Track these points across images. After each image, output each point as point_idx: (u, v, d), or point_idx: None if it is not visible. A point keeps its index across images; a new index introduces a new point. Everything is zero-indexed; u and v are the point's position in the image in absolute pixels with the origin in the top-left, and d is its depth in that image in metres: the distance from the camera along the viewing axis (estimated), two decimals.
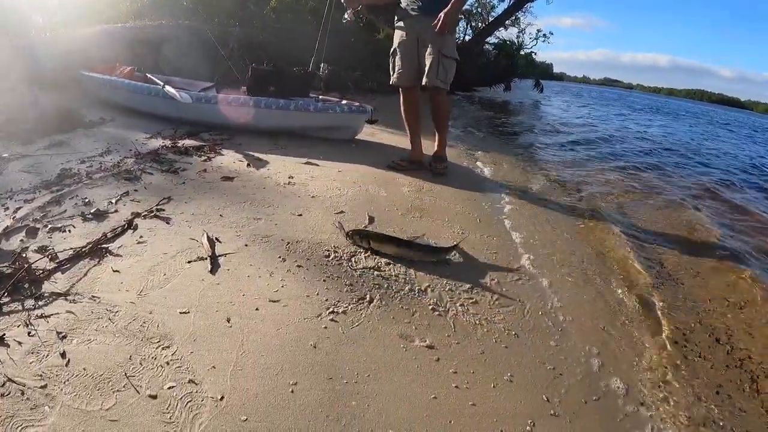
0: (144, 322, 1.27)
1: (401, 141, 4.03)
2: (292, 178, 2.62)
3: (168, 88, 3.42)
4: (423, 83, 2.94)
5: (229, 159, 2.89)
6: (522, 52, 14.19)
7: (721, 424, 1.24)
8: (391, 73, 3.08)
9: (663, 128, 11.26)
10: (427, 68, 2.89)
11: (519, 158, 4.43)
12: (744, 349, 1.63)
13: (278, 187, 2.46)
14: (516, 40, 13.86)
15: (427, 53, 2.90)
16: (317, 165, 2.94)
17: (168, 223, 1.90)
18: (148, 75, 3.94)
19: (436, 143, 3.21)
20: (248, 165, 2.78)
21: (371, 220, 2.15)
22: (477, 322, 1.47)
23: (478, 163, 3.83)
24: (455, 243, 1.91)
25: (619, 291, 1.88)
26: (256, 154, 3.03)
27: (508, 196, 2.96)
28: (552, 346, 1.41)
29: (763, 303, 2.02)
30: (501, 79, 13.29)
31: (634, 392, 1.29)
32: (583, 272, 1.99)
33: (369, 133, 3.80)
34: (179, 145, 3.03)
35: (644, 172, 4.73)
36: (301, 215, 2.10)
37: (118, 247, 1.66)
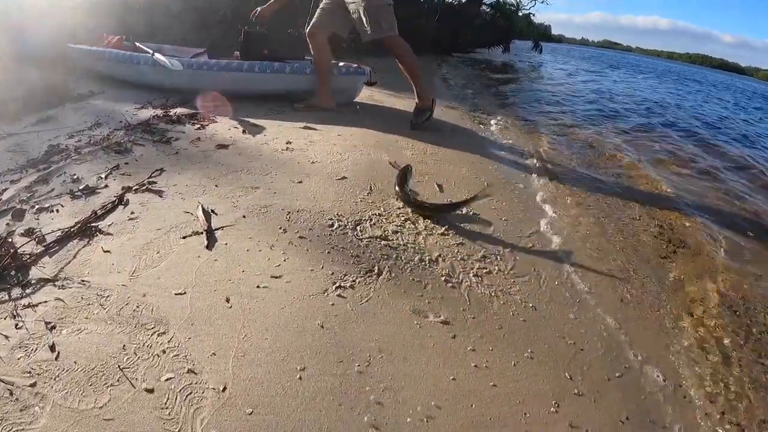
0: (137, 306, 1.14)
1: (400, 102, 3.80)
2: (290, 143, 2.43)
3: (158, 55, 3.15)
4: (363, 41, 2.90)
5: (224, 126, 2.68)
6: (520, 13, 13.40)
7: (750, 397, 1.15)
8: (308, 19, 3.05)
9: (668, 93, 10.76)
10: (357, 26, 2.85)
11: (522, 119, 4.19)
12: None
13: (276, 153, 2.28)
14: (514, 1, 13.05)
15: (351, 12, 2.86)
16: (316, 129, 2.73)
17: (161, 196, 1.74)
18: (137, 44, 3.64)
19: (416, 96, 3.03)
20: (244, 132, 2.58)
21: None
22: (492, 293, 1.34)
23: (481, 125, 3.60)
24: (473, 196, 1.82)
25: (640, 261, 1.75)
26: (252, 120, 2.82)
27: (516, 158, 2.78)
28: (571, 319, 1.29)
29: None
30: (499, 40, 12.61)
31: (657, 368, 1.19)
32: (602, 239, 1.85)
33: (367, 95, 3.55)
34: (171, 114, 2.82)
35: (682, 142, 4.48)
36: (301, 182, 1.94)
37: (109, 225, 1.52)
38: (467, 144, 2.89)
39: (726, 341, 1.36)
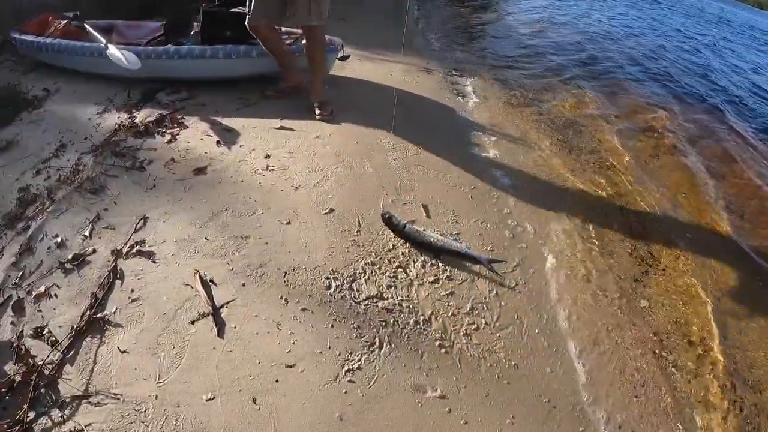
0: (176, 420, 1.27)
1: (373, 69, 3.53)
2: (269, 158, 2.32)
3: (111, 50, 2.72)
4: (289, 25, 2.81)
5: (196, 134, 2.51)
6: None
7: None
8: (246, 11, 2.67)
9: None
10: (298, 13, 2.56)
11: (509, 88, 3.83)
12: None
13: (256, 177, 2.20)
14: None
15: None
16: (293, 130, 2.59)
17: (154, 261, 1.74)
18: (87, 26, 3.09)
19: (314, 85, 2.81)
20: (218, 143, 2.43)
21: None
22: (480, 355, 1.52)
23: (463, 99, 3.43)
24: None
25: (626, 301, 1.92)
26: (224, 121, 2.63)
27: (498, 152, 2.74)
28: (547, 374, 1.50)
29: None
30: None
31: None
32: (590, 272, 1.99)
33: (339, 65, 3.26)
34: (137, 122, 2.58)
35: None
36: (289, 224, 1.94)
37: (113, 312, 1.55)
38: (450, 133, 2.83)
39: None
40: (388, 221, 1.91)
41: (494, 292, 1.76)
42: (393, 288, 1.70)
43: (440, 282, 1.75)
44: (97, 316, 1.55)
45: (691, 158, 3.10)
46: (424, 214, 2.08)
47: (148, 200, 2.05)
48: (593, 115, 3.54)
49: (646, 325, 1.77)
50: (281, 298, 1.62)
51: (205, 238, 1.85)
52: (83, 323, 1.52)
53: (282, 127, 2.61)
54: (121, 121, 2.61)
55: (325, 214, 2.00)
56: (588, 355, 1.61)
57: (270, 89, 2.90)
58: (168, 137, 2.48)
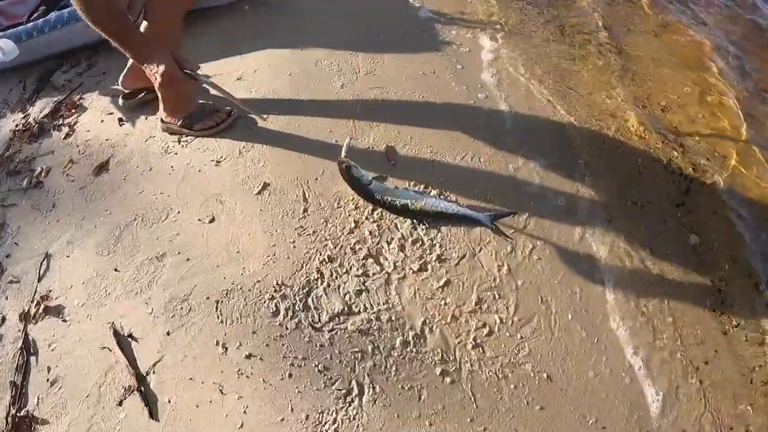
0: None
1: None
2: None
3: None
4: None
5: (96, 115, 1.81)
6: None
7: None
8: None
9: None
10: None
11: None
12: None
13: (168, 158, 1.57)
14: None
15: None
16: (208, 77, 1.78)
17: (63, 319, 1.29)
18: None
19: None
20: (121, 121, 1.75)
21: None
22: (500, 374, 1.06)
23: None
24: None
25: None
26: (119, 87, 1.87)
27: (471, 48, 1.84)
28: (591, 380, 1.04)
29: None
30: None
31: None
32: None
33: None
34: (31, 121, 1.90)
35: None
36: (213, 220, 1.37)
37: (36, 403, 1.17)
38: (412, 40, 1.92)
39: None
40: (347, 173, 1.31)
41: (505, 266, 1.22)
42: (364, 294, 1.19)
43: (429, 268, 1.21)
44: (21, 414, 1.19)
45: None
46: (390, 161, 1.44)
47: (49, 229, 1.53)
48: None
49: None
50: (217, 343, 1.16)
51: (115, 270, 1.36)
52: (10, 427, 1.18)
53: (194, 77, 1.83)
54: (16, 126, 1.95)
55: (258, 193, 1.41)
56: (642, 338, 1.13)
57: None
58: (65, 131, 1.83)
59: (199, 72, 1.39)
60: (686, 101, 1.71)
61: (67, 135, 1.82)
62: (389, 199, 1.27)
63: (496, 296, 1.19)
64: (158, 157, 1.61)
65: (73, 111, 1.93)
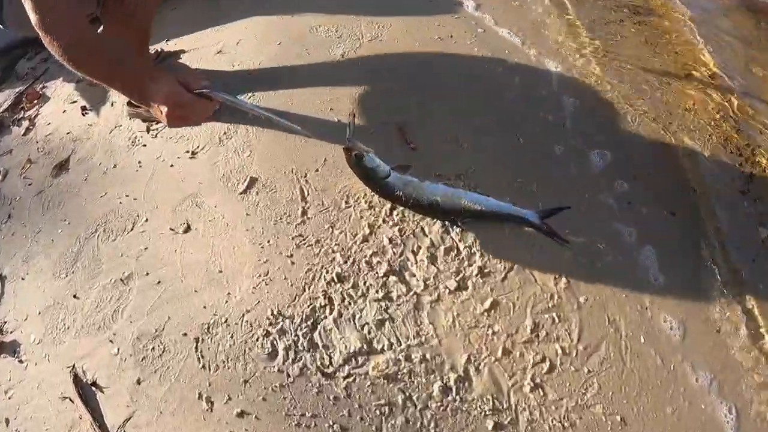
0: None
1: None
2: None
3: None
4: None
5: (59, 105, 1.49)
6: None
7: None
8: None
9: None
10: None
11: None
12: None
13: (135, 151, 1.26)
14: None
15: None
16: (183, 51, 1.47)
17: (20, 359, 1.04)
18: None
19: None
20: (84, 110, 1.43)
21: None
22: (566, 420, 0.79)
23: None
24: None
25: None
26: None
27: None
28: (668, 417, 0.77)
29: None
30: None
31: None
32: None
33: None
34: None
35: None
36: (188, 230, 1.08)
37: None
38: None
39: None
40: (358, 164, 0.99)
41: (563, 279, 0.93)
42: (388, 324, 0.90)
43: (470, 285, 0.92)
44: None
45: None
46: (408, 144, 1.12)
47: (4, 244, 1.25)
48: None
49: None
50: (200, 396, 0.88)
51: (74, 297, 1.08)
52: None
53: (166, 54, 1.49)
54: None
55: (243, 192, 1.10)
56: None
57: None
58: (25, 125, 1.51)
59: (208, 88, 0.95)
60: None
61: (27, 130, 1.50)
62: (414, 196, 0.97)
63: (556, 319, 0.90)
64: (124, 151, 1.30)
65: (35, 102, 1.62)
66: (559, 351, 0.88)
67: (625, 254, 0.98)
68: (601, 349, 0.88)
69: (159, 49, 1.52)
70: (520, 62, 1.31)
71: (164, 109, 0.90)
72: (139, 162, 1.27)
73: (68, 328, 1.06)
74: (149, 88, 0.92)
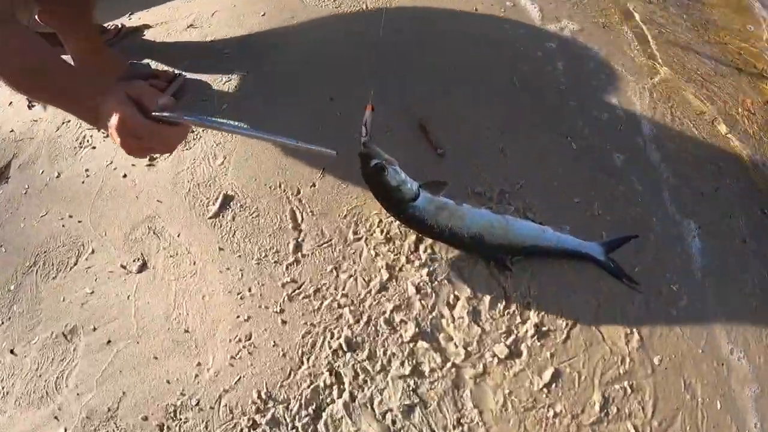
0: None
1: None
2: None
3: None
4: None
5: (5, 96, 1.17)
6: None
7: None
8: None
9: None
10: None
11: None
12: None
13: (81, 157, 0.98)
14: None
15: None
16: (148, 27, 1.15)
17: None
18: None
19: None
20: (29, 102, 1.11)
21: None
22: None
23: None
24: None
25: None
26: None
27: None
28: None
29: None
30: None
31: None
32: None
33: None
34: None
35: None
36: (143, 268, 0.79)
37: None
38: None
39: None
40: (378, 179, 0.69)
41: (636, 335, 0.70)
42: (419, 411, 0.63)
43: (524, 351, 0.67)
44: None
45: None
46: (436, 150, 0.83)
47: None
48: None
49: None
50: None
51: (12, 352, 0.83)
52: None
53: (127, 30, 1.15)
54: None
55: (215, 216, 0.82)
56: None
57: None
58: None
59: (169, 108, 0.61)
60: None
61: None
62: (450, 226, 0.69)
63: (628, 389, 0.68)
64: (70, 155, 1.01)
65: None
66: (631, 431, 0.65)
67: (701, 298, 0.75)
68: (676, 422, 0.66)
69: (119, 25, 1.20)
70: (564, 46, 1.00)
71: (117, 139, 0.60)
72: (87, 170, 0.98)
73: (7, 394, 0.82)
74: (100, 107, 0.61)
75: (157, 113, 0.60)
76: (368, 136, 0.69)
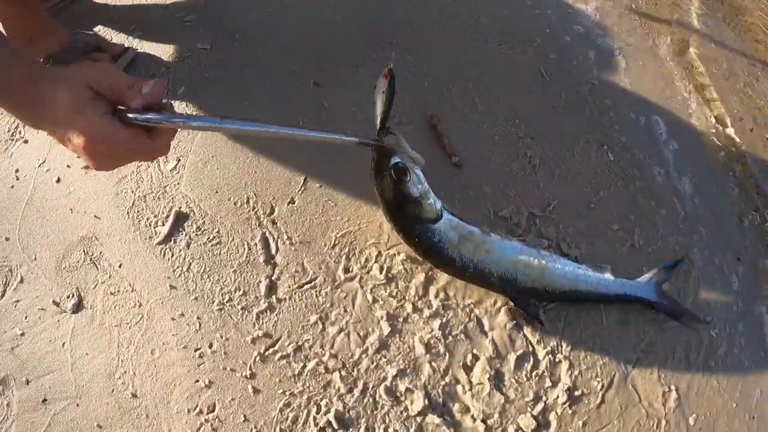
0: None
1: None
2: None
3: None
4: None
5: None
6: None
7: None
8: None
9: None
10: None
11: None
12: None
13: (8, 155, 0.77)
14: None
15: None
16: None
17: None
18: None
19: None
20: None
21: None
22: None
23: None
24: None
25: None
26: None
27: None
28: None
29: None
30: None
31: None
32: None
33: None
34: None
35: None
36: (79, 306, 0.61)
37: None
38: None
39: None
40: (396, 183, 0.49)
41: (673, 392, 0.57)
42: None
43: (552, 422, 0.54)
44: None
45: None
46: (451, 157, 0.62)
47: None
48: None
49: None
50: None
51: None
52: None
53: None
54: None
55: (164, 241, 0.63)
56: None
57: None
58: None
59: (146, 113, 0.42)
60: None
61: None
62: (476, 262, 0.51)
63: None
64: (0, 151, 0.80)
65: None
66: None
67: (738, 344, 0.61)
68: None
69: None
70: (596, 40, 0.76)
71: (78, 141, 0.40)
72: (17, 171, 0.77)
73: None
74: (46, 101, 0.40)
75: (139, 118, 0.41)
76: (386, 118, 0.47)
